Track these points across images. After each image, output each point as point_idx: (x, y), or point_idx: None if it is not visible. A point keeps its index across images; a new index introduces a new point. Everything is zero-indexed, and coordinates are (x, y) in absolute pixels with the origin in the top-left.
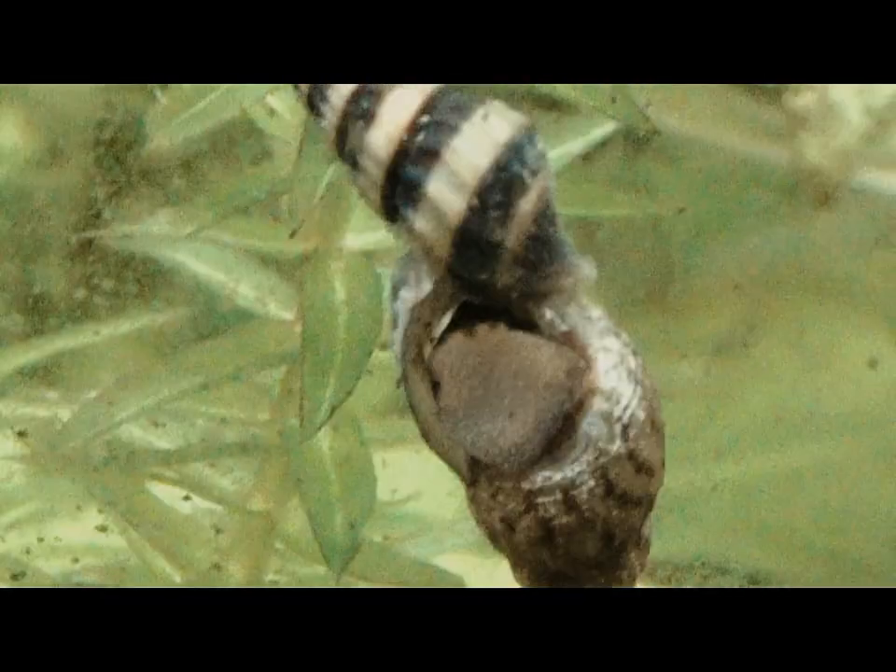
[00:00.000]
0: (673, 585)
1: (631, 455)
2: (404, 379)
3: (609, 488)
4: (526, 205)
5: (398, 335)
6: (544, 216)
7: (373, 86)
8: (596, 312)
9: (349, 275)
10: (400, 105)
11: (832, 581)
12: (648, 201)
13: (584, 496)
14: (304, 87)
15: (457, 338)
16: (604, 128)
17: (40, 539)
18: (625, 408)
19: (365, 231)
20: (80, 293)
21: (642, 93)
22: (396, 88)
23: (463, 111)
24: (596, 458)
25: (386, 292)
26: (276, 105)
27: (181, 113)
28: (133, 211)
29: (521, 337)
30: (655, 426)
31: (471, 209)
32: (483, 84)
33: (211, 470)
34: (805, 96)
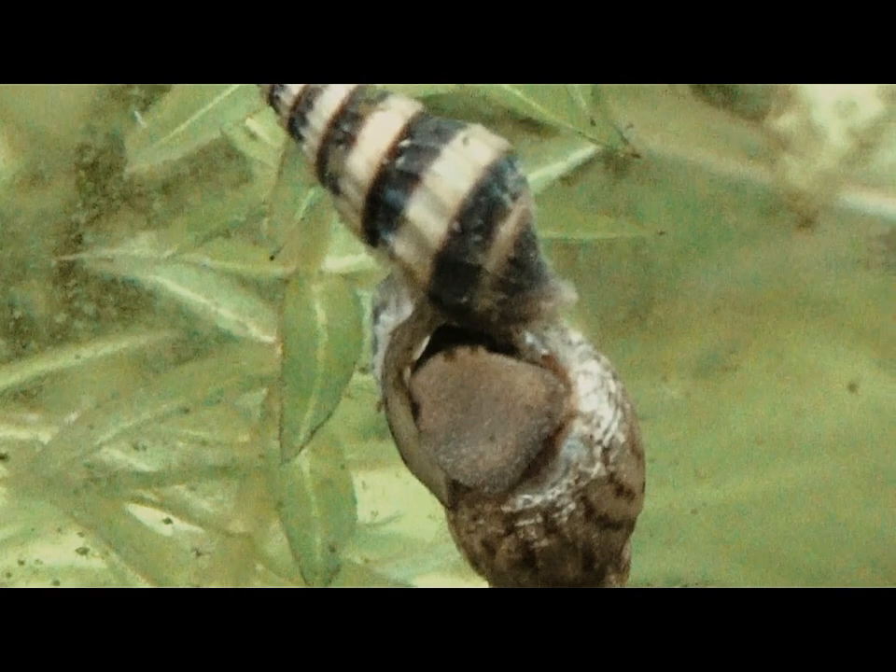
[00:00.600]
0: None
1: (611, 479)
2: (385, 402)
3: (589, 511)
4: (507, 229)
5: (378, 359)
6: (525, 239)
7: (354, 109)
8: (577, 336)
9: (329, 298)
10: (381, 129)
11: None
12: (629, 223)
13: (565, 519)
14: (285, 111)
15: (438, 361)
16: (584, 150)
17: (21, 562)
18: (606, 431)
19: (345, 255)
20: (61, 316)
21: (623, 115)
22: (376, 112)
23: (443, 135)
24: (577, 481)
25: (367, 315)
26: (257, 128)
27: (161, 136)
28: (113, 234)
29: (501, 361)
30: (635, 449)
31: (452, 233)
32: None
33: (191, 493)
34: (787, 118)
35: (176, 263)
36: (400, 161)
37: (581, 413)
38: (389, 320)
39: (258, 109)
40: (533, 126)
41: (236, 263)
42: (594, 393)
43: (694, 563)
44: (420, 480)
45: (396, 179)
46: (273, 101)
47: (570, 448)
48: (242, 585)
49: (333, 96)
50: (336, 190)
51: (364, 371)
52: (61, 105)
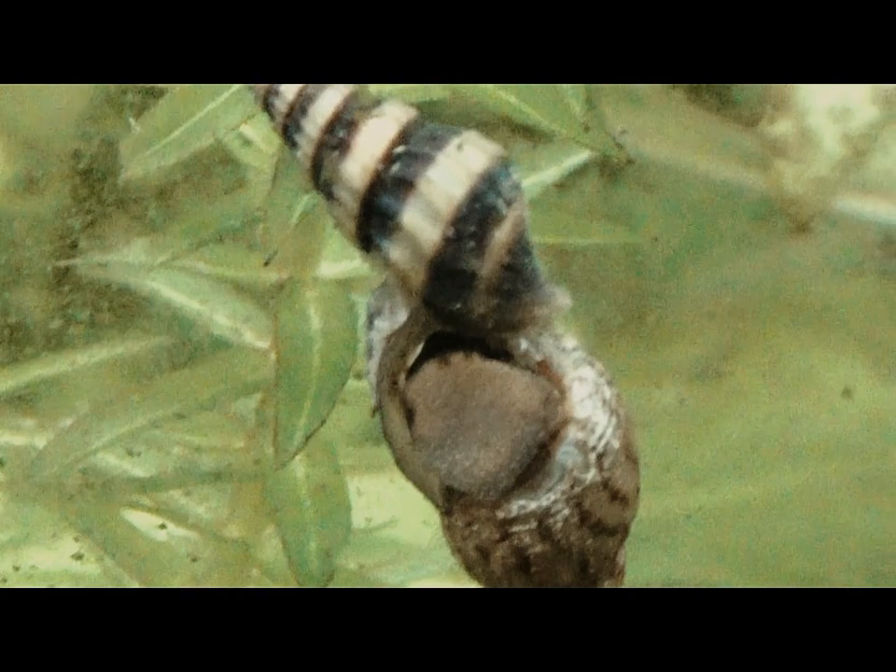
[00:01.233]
0: None
1: (606, 485)
2: (379, 408)
3: (583, 517)
4: (501, 235)
5: (373, 364)
6: (519, 245)
7: (349, 115)
8: (571, 342)
9: (323, 304)
10: (375, 135)
11: None
12: (623, 229)
13: (559, 525)
14: (279, 117)
15: (432, 367)
16: (578, 156)
17: (16, 568)
18: (600, 437)
19: (339, 260)
20: (56, 322)
21: (617, 120)
22: (371, 118)
23: (438, 141)
24: (571, 487)
25: (361, 321)
26: (251, 134)
27: (155, 142)
28: (108, 240)
29: (495, 367)
30: (630, 455)
31: (446, 239)
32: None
33: (186, 498)
34: (781, 124)
35: (171, 269)
36: (395, 168)
37: (575, 418)
38: (384, 326)
39: (252, 115)
40: (527, 132)
41: (231, 269)
42: (588, 399)
43: (689, 568)
44: (415, 485)
45: (390, 185)
46: (267, 107)
47: (565, 454)
48: None
49: (328, 102)
50: (330, 196)
51: (359, 376)
52: (55, 111)
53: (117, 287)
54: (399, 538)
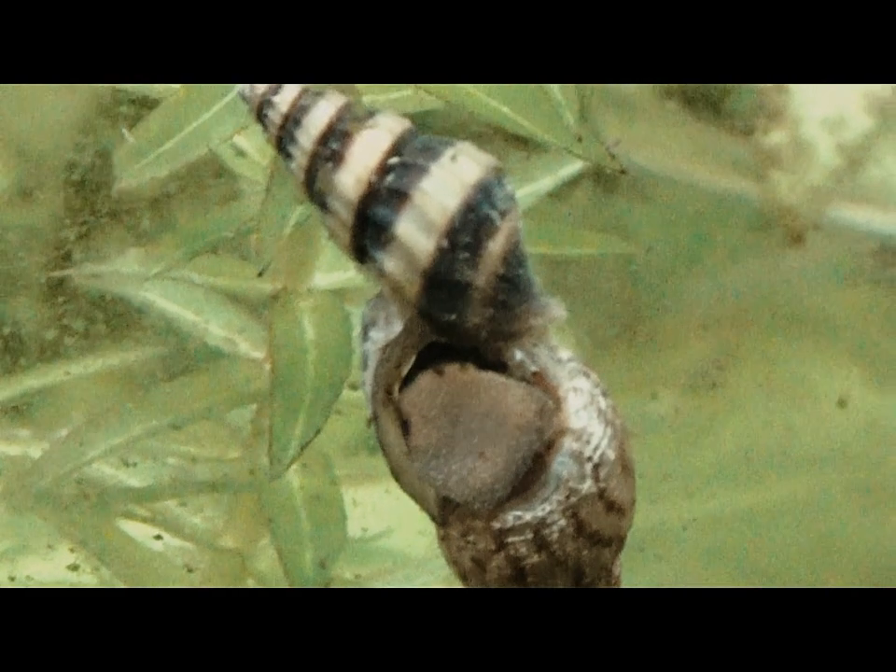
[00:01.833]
0: None
1: (602, 495)
2: (374, 419)
3: (579, 528)
4: (496, 246)
5: (368, 375)
6: (513, 256)
7: (342, 127)
8: (566, 353)
9: (318, 314)
10: (369, 146)
11: None
12: (617, 239)
13: (555, 535)
14: (273, 128)
15: (427, 378)
16: (573, 166)
17: (11, 578)
18: (596, 448)
19: (333, 271)
20: (51, 332)
21: (611, 131)
22: (364, 130)
23: (432, 152)
24: (567, 498)
25: (356, 331)
26: (245, 145)
27: (149, 153)
28: (102, 251)
29: (490, 377)
30: (626, 465)
31: (441, 250)
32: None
33: (182, 509)
34: (776, 134)
35: (165, 280)
36: (389, 179)
37: (570, 429)
38: (379, 337)
39: (246, 126)
40: (521, 142)
41: (225, 279)
42: (583, 410)
43: (685, 578)
44: (410, 496)
45: (384, 196)
46: (261, 118)
47: (560, 464)
48: None
49: (321, 113)
50: (324, 208)
51: (354, 387)
52: (49, 122)
53: (111, 298)
54: (394, 548)
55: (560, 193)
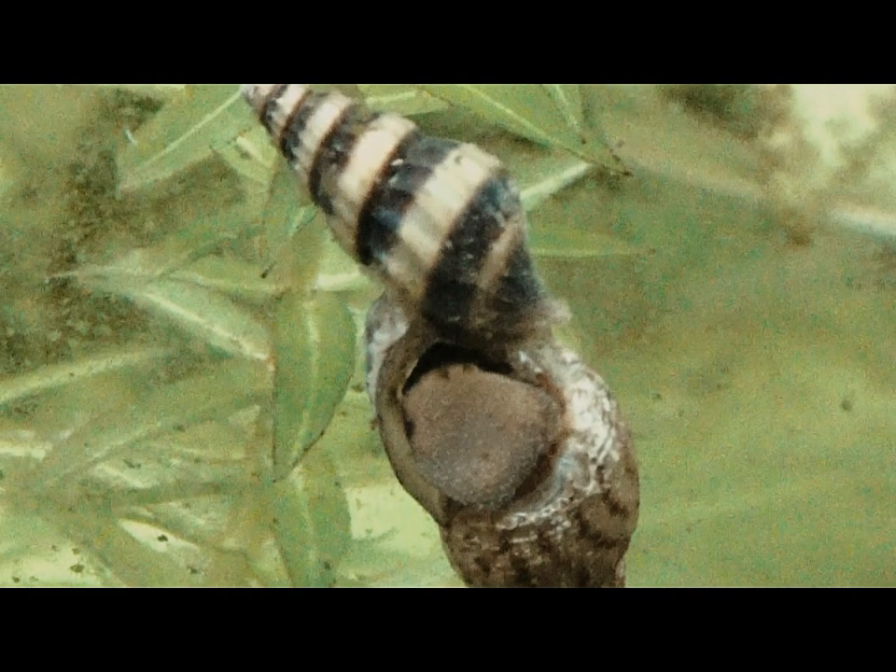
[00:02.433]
0: None
1: (606, 497)
2: (378, 420)
3: (583, 529)
4: (500, 248)
5: (372, 377)
6: (517, 258)
7: (347, 129)
8: (570, 354)
9: (321, 316)
10: (373, 148)
11: None
12: (621, 241)
13: (559, 536)
14: (277, 130)
15: (431, 379)
16: (576, 168)
17: (16, 579)
18: (600, 449)
19: (337, 272)
20: (55, 334)
21: (615, 132)
22: (369, 131)
23: (436, 154)
24: (571, 499)
25: (360, 333)
26: (248, 147)
27: (153, 155)
28: (106, 253)
29: (495, 379)
30: (630, 467)
31: (445, 252)
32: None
33: (186, 510)
34: (779, 136)
35: (169, 281)
36: (393, 181)
37: (575, 431)
38: (383, 338)
39: (249, 128)
40: (525, 144)
41: (228, 281)
42: (588, 411)
43: (689, 580)
44: (414, 497)
45: (389, 198)
46: (265, 120)
47: (565, 466)
48: None
49: (326, 115)
50: (329, 210)
51: (358, 388)
52: (53, 124)
53: (115, 300)
54: (398, 549)
55: (564, 195)
